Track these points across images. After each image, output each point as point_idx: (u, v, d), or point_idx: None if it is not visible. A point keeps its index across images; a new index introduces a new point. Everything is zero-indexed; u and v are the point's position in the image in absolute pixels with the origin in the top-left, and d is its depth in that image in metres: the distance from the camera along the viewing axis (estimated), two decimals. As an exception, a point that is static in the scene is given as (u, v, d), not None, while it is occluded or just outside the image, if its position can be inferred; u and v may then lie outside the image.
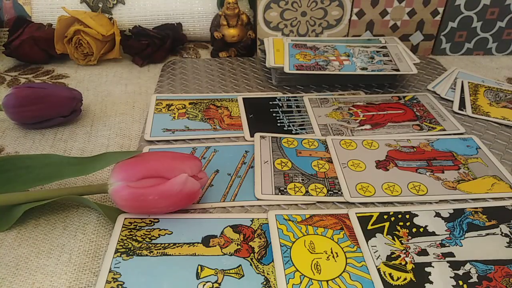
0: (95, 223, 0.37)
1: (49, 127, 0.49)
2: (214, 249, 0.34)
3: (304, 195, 0.39)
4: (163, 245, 0.34)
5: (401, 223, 0.36)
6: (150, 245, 0.34)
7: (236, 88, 0.58)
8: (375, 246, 0.34)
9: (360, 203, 0.39)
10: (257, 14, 0.63)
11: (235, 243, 0.34)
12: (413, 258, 0.33)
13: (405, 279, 0.32)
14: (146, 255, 0.33)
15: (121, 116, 0.52)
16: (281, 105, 0.53)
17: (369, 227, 0.36)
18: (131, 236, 0.34)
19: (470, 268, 0.32)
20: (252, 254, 0.33)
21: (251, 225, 0.36)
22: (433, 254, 0.34)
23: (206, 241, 0.34)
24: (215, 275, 0.32)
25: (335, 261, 0.33)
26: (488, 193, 0.40)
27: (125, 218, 0.36)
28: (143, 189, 0.34)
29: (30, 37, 0.61)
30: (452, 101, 0.55)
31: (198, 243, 0.34)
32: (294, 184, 0.40)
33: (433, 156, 0.44)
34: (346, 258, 0.33)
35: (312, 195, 0.39)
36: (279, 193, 0.39)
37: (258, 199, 0.39)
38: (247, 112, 0.51)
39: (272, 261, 0.33)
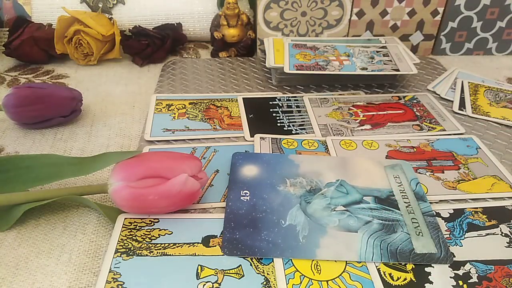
0: (95, 223, 0.37)
1: (49, 127, 0.49)
2: (214, 249, 0.34)
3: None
4: (163, 245, 0.34)
5: (401, 223, 0.36)
6: (150, 245, 0.34)
7: (236, 88, 0.58)
8: (375, 246, 0.34)
9: (360, 203, 0.39)
10: (257, 14, 0.63)
11: (235, 243, 0.34)
12: (413, 258, 0.33)
13: (405, 279, 0.32)
14: (146, 255, 0.33)
15: (121, 116, 0.52)
16: (281, 105, 0.53)
17: (369, 227, 0.36)
18: (131, 236, 0.34)
19: (470, 268, 0.32)
20: (252, 254, 0.33)
21: (251, 225, 0.36)
22: (433, 254, 0.34)
23: (206, 241, 0.34)
24: (215, 275, 0.32)
25: (335, 261, 0.33)
26: (488, 193, 0.40)
27: (125, 218, 0.36)
28: (143, 189, 0.34)
29: (30, 37, 0.61)
30: (452, 101, 0.55)
31: (198, 243, 0.34)
32: (294, 184, 0.40)
33: (433, 156, 0.44)
34: (346, 258, 0.33)
35: (312, 195, 0.39)
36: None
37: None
38: (247, 112, 0.51)
39: (272, 261, 0.33)
